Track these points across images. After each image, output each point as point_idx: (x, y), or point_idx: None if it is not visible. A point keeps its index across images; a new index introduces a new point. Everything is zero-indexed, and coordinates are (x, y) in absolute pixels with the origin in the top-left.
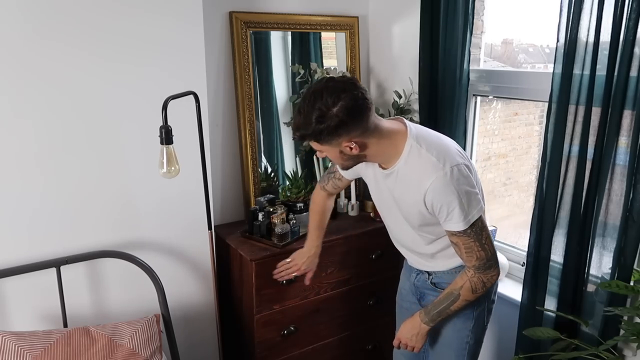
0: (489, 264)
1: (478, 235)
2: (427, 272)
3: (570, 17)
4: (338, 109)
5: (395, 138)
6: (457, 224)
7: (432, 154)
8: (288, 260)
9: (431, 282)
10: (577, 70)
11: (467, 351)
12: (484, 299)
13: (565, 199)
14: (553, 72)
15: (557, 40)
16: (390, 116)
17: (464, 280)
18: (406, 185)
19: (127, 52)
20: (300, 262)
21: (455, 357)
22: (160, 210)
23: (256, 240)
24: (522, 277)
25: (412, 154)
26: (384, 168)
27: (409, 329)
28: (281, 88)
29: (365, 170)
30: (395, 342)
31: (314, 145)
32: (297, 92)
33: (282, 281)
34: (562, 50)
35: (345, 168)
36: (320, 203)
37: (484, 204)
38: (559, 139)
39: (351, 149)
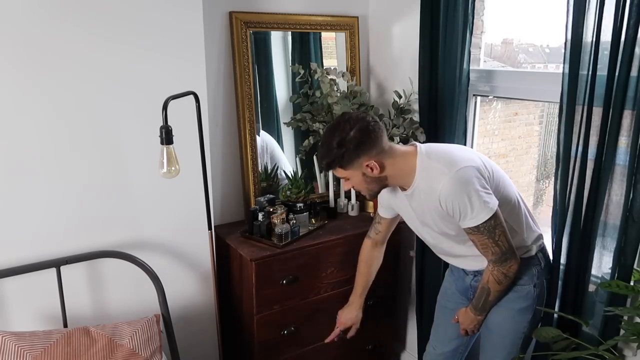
0: (504, 257)
1: (491, 232)
2: None
3: (577, 17)
4: (355, 132)
5: (409, 157)
6: (469, 222)
7: (440, 163)
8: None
9: None
10: (582, 71)
11: (522, 340)
12: (541, 288)
13: (570, 199)
14: (562, 73)
15: (566, 40)
16: (390, 117)
17: (487, 275)
18: (426, 199)
19: (127, 53)
20: (345, 319)
21: (511, 346)
22: (161, 210)
23: (256, 240)
24: None
25: (423, 168)
26: (404, 190)
27: (469, 322)
28: (281, 88)
29: (396, 200)
30: (462, 333)
31: (340, 172)
32: (297, 92)
33: (282, 281)
34: (570, 50)
35: (373, 194)
36: (364, 253)
37: (521, 200)
38: (569, 140)
39: (372, 169)
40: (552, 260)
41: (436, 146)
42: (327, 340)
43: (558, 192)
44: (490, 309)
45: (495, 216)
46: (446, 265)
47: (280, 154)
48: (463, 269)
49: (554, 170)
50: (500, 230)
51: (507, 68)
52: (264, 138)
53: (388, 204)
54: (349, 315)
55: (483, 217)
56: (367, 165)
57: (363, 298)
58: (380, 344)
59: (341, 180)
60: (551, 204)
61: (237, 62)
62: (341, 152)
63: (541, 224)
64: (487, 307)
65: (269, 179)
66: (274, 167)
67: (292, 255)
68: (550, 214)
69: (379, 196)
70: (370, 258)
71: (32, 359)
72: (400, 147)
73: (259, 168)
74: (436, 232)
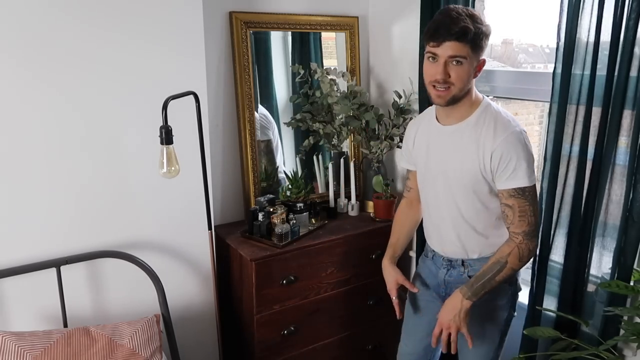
0: (535, 232)
1: (533, 200)
2: (463, 262)
3: (570, 17)
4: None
5: (476, 94)
6: (522, 180)
7: (508, 117)
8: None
9: (468, 276)
10: (577, 70)
11: (500, 339)
12: (515, 286)
13: (566, 199)
14: (554, 72)
15: (558, 40)
16: (390, 117)
17: (511, 247)
18: (470, 141)
19: (128, 53)
20: (389, 283)
21: (491, 345)
22: (161, 210)
23: (256, 240)
24: (523, 276)
25: (488, 111)
26: (445, 125)
27: (450, 310)
28: (281, 88)
29: (419, 140)
30: (436, 331)
31: (465, 49)
32: (297, 92)
33: (282, 281)
34: (562, 50)
35: (458, 96)
36: (398, 213)
37: None
38: (559, 139)
39: (480, 67)
40: (539, 258)
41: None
42: (399, 316)
43: (545, 191)
44: (484, 295)
45: (535, 188)
46: None
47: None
48: (434, 259)
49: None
50: (537, 204)
51: (507, 68)
52: (262, 112)
53: (409, 152)
54: (389, 277)
55: (532, 181)
56: (483, 59)
57: (394, 257)
58: (380, 344)
59: (442, 64)
60: None
61: (237, 62)
62: (487, 30)
63: None
64: (486, 289)
65: (269, 179)
66: (274, 168)
67: (292, 255)
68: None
69: (405, 141)
70: (404, 217)
71: (32, 359)
72: None
73: (259, 138)
74: (449, 183)
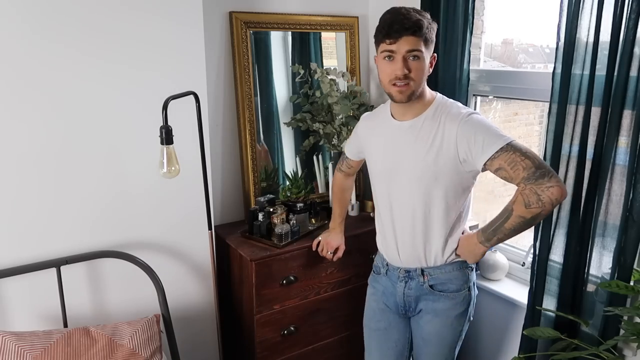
0: (540, 172)
1: (517, 148)
2: (422, 272)
3: (570, 17)
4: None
5: (430, 91)
6: (495, 144)
7: (461, 105)
8: (318, 242)
9: (429, 286)
10: (577, 70)
11: (457, 344)
12: (473, 291)
13: (566, 198)
14: (553, 72)
15: (558, 40)
16: None
17: (515, 196)
18: (428, 133)
19: (127, 53)
20: (333, 241)
21: (449, 352)
22: (161, 210)
23: (256, 240)
24: (523, 276)
25: (444, 104)
26: (401, 121)
27: (465, 248)
28: (281, 88)
29: (374, 138)
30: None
31: (418, 42)
32: (297, 92)
33: (282, 281)
34: (562, 50)
35: (415, 92)
36: (338, 183)
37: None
38: (559, 139)
39: (431, 63)
40: (538, 258)
41: None
42: (331, 259)
43: None
44: (500, 241)
45: (513, 143)
46: None
47: None
48: (388, 275)
49: None
50: (526, 148)
51: (507, 68)
52: None
53: (358, 147)
54: (336, 237)
55: (506, 140)
56: (434, 55)
57: (343, 225)
58: None
59: (400, 60)
60: None
61: (237, 62)
62: (434, 24)
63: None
64: (497, 235)
65: (269, 179)
66: (274, 168)
67: (292, 255)
68: None
69: (354, 131)
70: (345, 186)
71: (32, 359)
72: None
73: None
74: (409, 180)
